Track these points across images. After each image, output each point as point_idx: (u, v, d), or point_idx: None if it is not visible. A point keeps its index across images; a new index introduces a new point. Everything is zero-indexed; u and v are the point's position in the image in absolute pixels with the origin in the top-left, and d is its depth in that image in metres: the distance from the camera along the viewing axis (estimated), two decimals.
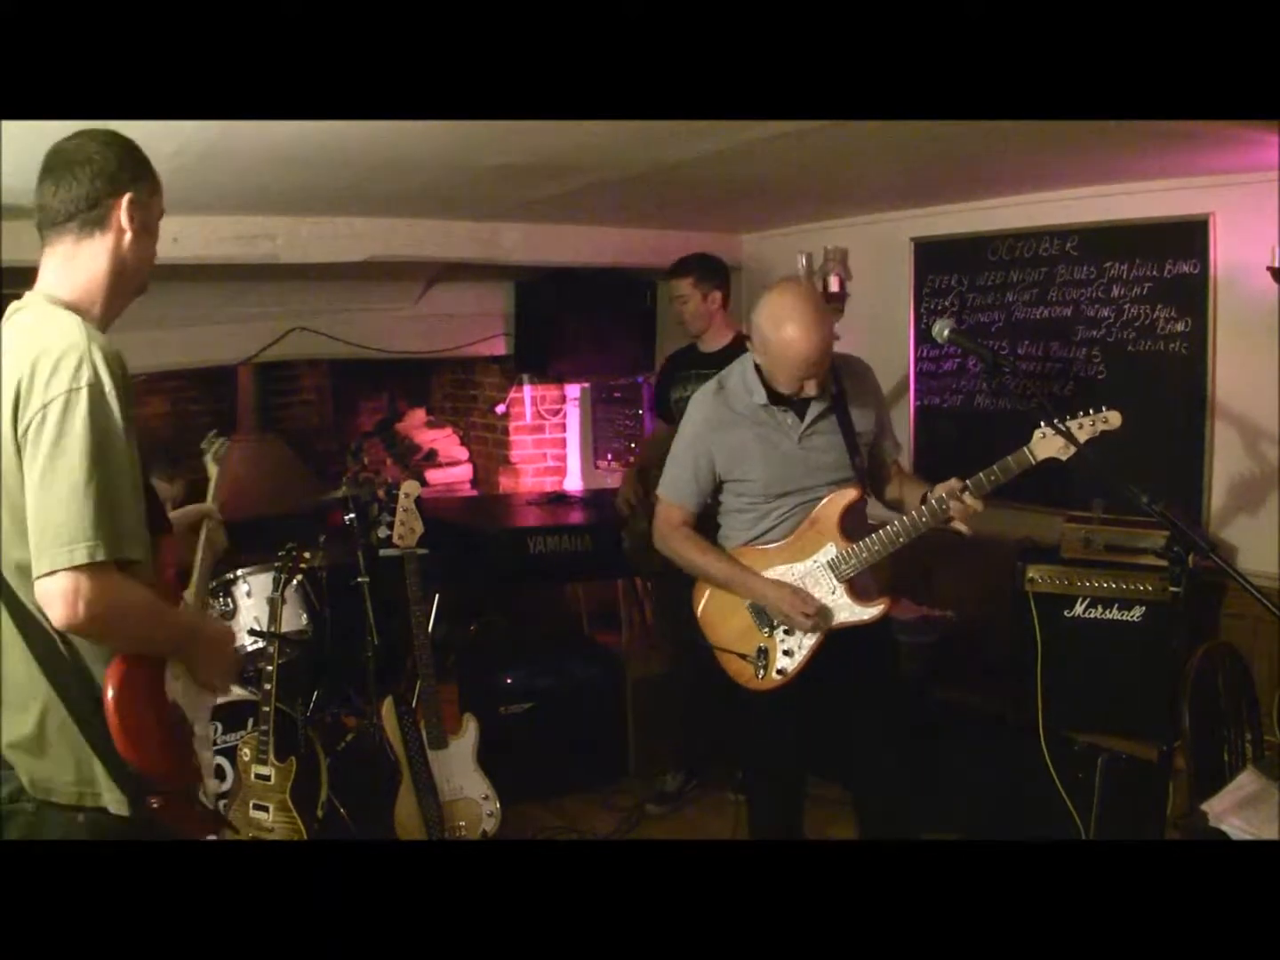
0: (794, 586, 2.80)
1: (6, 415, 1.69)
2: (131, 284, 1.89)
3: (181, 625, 1.92)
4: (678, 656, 4.38)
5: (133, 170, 1.85)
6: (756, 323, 2.77)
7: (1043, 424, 2.60)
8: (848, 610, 2.80)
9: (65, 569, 1.61)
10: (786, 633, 2.83)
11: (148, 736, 1.77)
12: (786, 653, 2.82)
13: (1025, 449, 2.64)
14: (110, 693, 1.72)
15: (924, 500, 2.73)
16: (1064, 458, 2.59)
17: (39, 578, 1.63)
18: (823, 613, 2.78)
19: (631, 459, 6.01)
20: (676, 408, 4.19)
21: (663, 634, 4.57)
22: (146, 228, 1.88)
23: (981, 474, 2.67)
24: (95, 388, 1.66)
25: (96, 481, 1.63)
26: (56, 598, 1.62)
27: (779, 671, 2.83)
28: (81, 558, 1.61)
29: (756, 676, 2.84)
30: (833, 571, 2.80)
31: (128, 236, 1.84)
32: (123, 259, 1.85)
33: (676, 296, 4.09)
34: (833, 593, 2.81)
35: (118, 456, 1.68)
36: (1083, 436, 2.57)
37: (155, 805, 1.78)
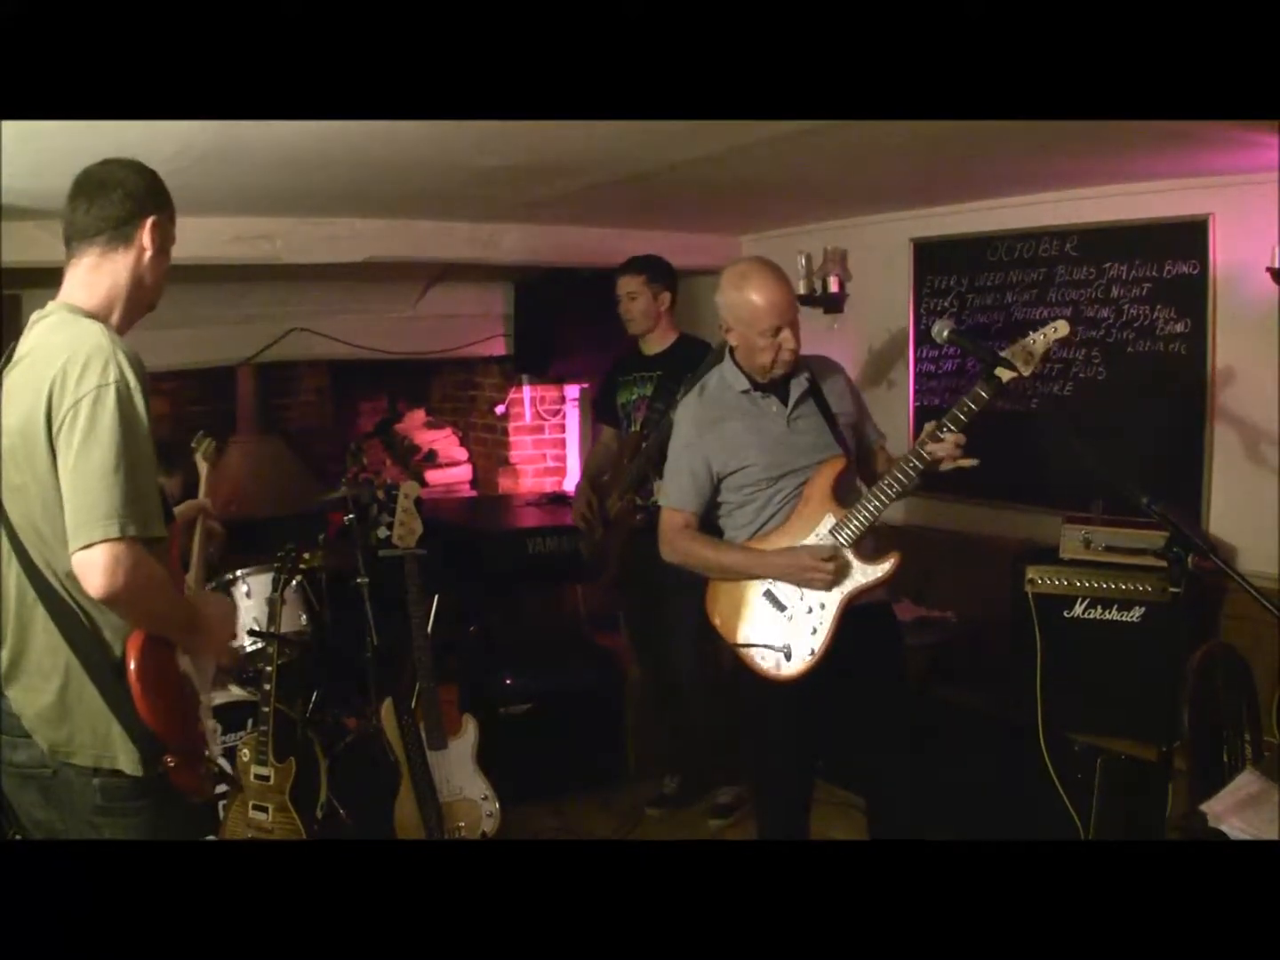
0: (801, 546, 2.80)
1: (41, 412, 1.86)
2: (146, 298, 2.09)
3: (190, 606, 2.13)
4: (641, 663, 4.40)
5: (156, 196, 2.06)
6: (722, 299, 2.85)
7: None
8: (860, 573, 2.79)
9: (102, 542, 1.78)
10: (808, 612, 2.82)
11: (163, 701, 1.95)
12: (813, 631, 2.80)
13: (993, 375, 2.66)
14: (132, 662, 1.91)
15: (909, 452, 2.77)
16: (1027, 372, 2.67)
17: (77, 551, 1.80)
18: (835, 558, 2.76)
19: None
20: (623, 411, 4.20)
21: (630, 642, 4.57)
22: (164, 249, 2.08)
23: (954, 409, 2.69)
24: (121, 384, 1.85)
25: (125, 466, 1.82)
26: (96, 568, 1.79)
27: (809, 652, 2.80)
28: (115, 532, 1.79)
29: (786, 664, 2.82)
30: (836, 538, 2.79)
31: (148, 254, 2.04)
32: (141, 275, 2.04)
33: (626, 293, 4.08)
34: None
35: (142, 445, 1.87)
36: (1038, 351, 2.68)
37: (170, 764, 1.94)
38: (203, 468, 2.76)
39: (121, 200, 1.99)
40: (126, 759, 1.93)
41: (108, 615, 1.91)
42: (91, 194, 2.00)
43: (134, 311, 2.06)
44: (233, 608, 2.29)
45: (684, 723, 4.28)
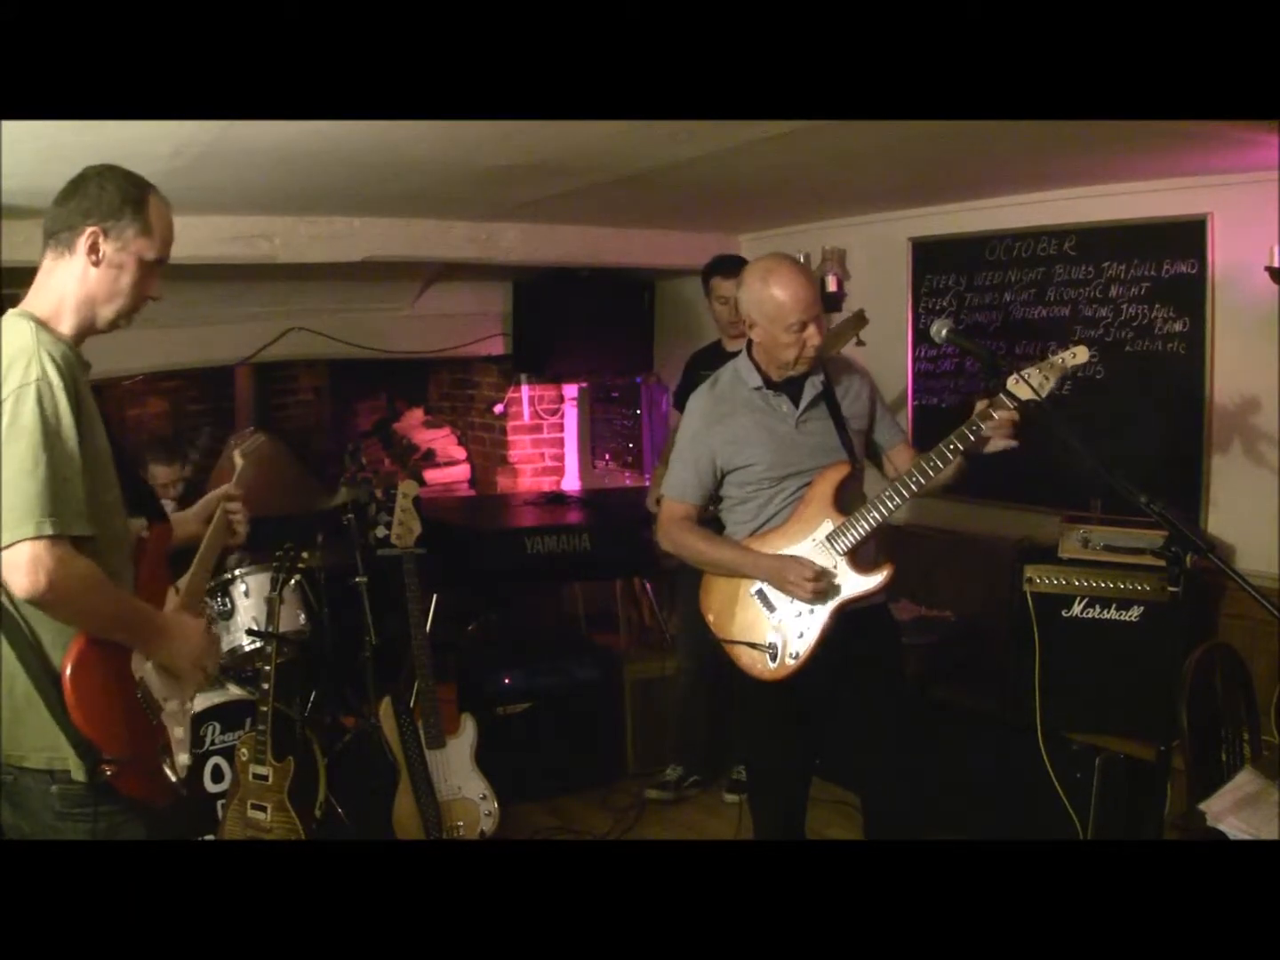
0: (793, 555, 2.80)
1: None
2: (100, 313, 2.00)
3: (138, 610, 2.02)
4: (695, 651, 4.37)
5: (111, 208, 1.96)
6: (746, 295, 2.84)
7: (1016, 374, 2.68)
8: (852, 583, 2.79)
9: (20, 541, 1.76)
10: (797, 616, 2.82)
11: (103, 710, 1.91)
12: (800, 635, 2.81)
13: (1000, 395, 2.67)
14: (67, 668, 1.87)
15: (912, 463, 2.79)
16: (1043, 394, 2.65)
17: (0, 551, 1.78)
18: (825, 576, 2.76)
19: (629, 459, 6.02)
20: None
21: (684, 627, 4.56)
22: (114, 265, 1.97)
23: (962, 430, 2.71)
24: (43, 382, 1.82)
25: (45, 465, 1.79)
26: (16, 569, 1.77)
27: (793, 656, 2.80)
28: (31, 531, 1.76)
29: (770, 665, 2.83)
30: (832, 545, 2.80)
31: (90, 267, 1.96)
32: (91, 288, 1.97)
33: (723, 295, 4.10)
34: (834, 567, 2.80)
35: (65, 444, 1.83)
36: (1054, 374, 2.67)
37: (109, 773, 1.89)
38: (238, 462, 2.63)
39: (75, 207, 1.95)
40: (74, 765, 1.89)
41: (46, 621, 1.88)
42: (60, 195, 1.97)
43: (86, 323, 1.99)
44: (204, 636, 2.15)
45: (714, 717, 4.31)
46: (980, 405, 2.73)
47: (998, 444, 2.74)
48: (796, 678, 2.81)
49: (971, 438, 2.69)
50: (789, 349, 2.79)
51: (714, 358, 4.21)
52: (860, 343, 4.21)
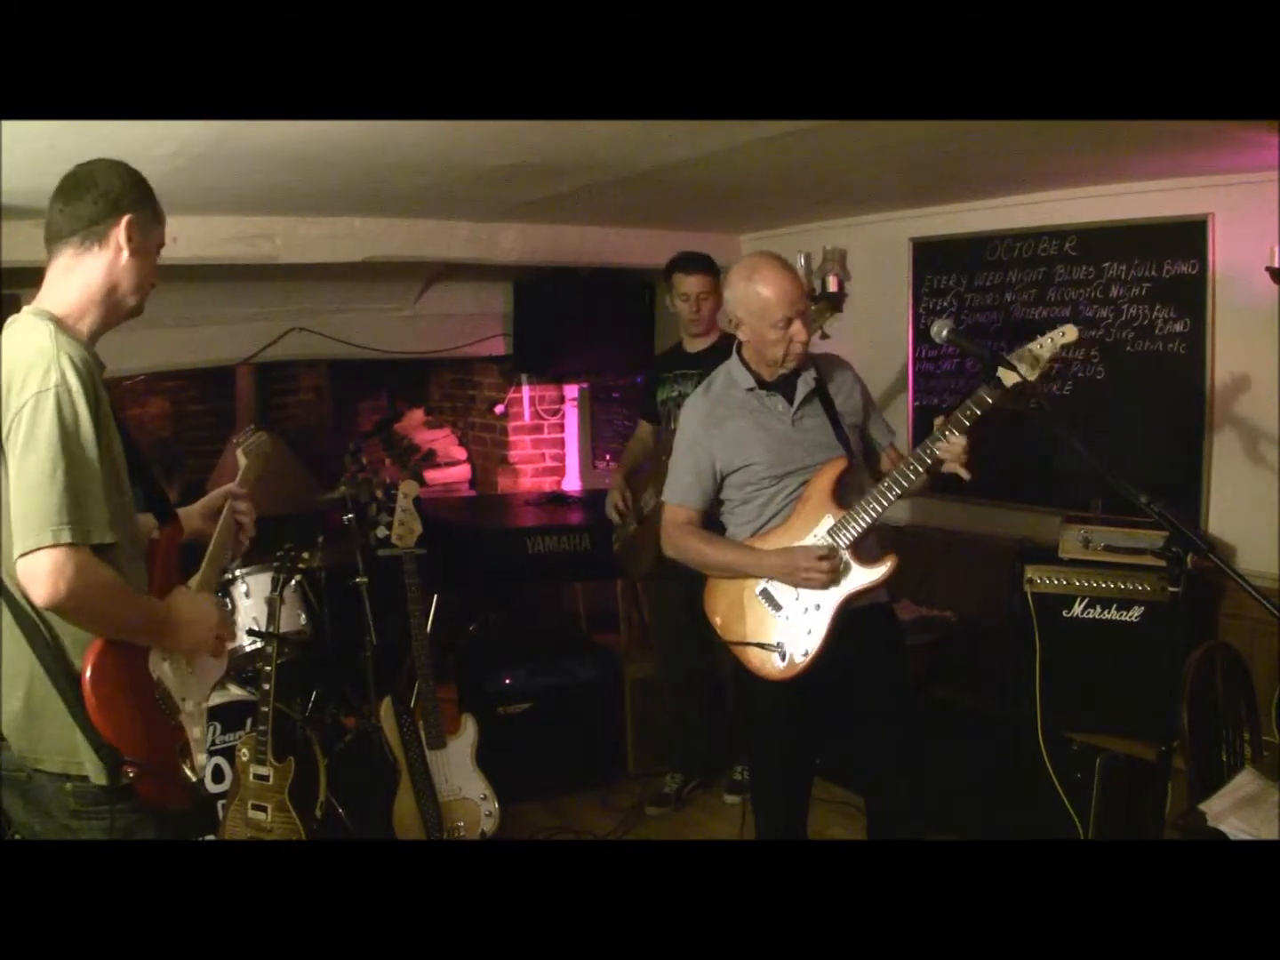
0: (796, 546, 2.81)
1: None
2: (124, 303, 2.03)
3: (154, 610, 2.02)
4: (668, 659, 4.38)
5: (135, 196, 2.00)
6: (732, 294, 2.88)
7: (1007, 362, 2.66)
8: (857, 575, 2.79)
9: (37, 550, 1.76)
10: (804, 613, 2.82)
11: (123, 712, 1.91)
12: (808, 632, 2.80)
13: (996, 378, 2.66)
14: (87, 671, 1.87)
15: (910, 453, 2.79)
16: (1033, 378, 2.64)
17: (18, 559, 1.79)
18: (835, 554, 2.76)
19: None
20: (662, 409, 4.20)
21: (655, 636, 4.56)
22: (143, 251, 2.01)
23: (959, 412, 2.70)
24: (62, 388, 1.81)
25: (64, 472, 1.79)
26: (34, 576, 1.78)
27: (802, 654, 2.80)
28: (49, 539, 1.76)
29: (779, 664, 2.83)
30: (834, 540, 2.79)
31: (124, 255, 1.98)
32: (116, 277, 1.99)
33: (699, 293, 4.03)
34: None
35: (85, 450, 1.83)
36: (1045, 356, 2.66)
37: (130, 775, 1.89)
38: (241, 461, 2.61)
39: (96, 200, 1.95)
40: (92, 767, 1.89)
41: (66, 624, 1.87)
42: (68, 193, 1.96)
43: (110, 316, 2.01)
44: (210, 604, 2.16)
45: (705, 721, 4.31)
46: (938, 421, 2.73)
47: (951, 468, 2.73)
48: (801, 677, 2.81)
49: (966, 422, 2.69)
50: (776, 346, 2.81)
51: (675, 361, 4.20)
52: (825, 335, 4.19)
